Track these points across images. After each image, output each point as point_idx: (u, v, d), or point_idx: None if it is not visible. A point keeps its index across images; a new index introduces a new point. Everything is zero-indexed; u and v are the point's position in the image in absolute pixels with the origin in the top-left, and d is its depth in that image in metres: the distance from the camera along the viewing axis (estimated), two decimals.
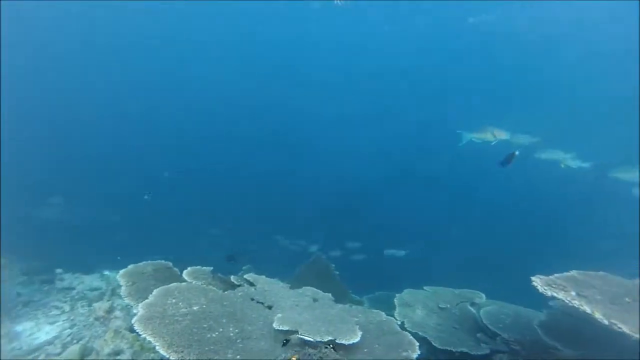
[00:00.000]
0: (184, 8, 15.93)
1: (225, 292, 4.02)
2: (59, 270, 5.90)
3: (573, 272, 2.58)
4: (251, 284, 4.40)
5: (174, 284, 3.89)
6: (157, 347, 2.67)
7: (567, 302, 2.14)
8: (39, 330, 4.39)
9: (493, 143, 6.51)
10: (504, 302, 5.08)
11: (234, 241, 10.62)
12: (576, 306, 2.06)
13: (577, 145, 6.96)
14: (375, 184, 14.59)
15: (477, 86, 16.36)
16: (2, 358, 3.64)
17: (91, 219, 10.35)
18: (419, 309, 4.60)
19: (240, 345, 3.04)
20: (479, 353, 3.68)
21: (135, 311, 3.26)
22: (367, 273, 7.98)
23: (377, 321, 3.76)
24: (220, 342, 2.97)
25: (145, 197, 7.79)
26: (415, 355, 3.19)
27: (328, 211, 12.78)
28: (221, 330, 3.17)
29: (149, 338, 2.75)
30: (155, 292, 3.53)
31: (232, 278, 4.54)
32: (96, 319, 4.52)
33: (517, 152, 3.95)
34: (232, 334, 3.15)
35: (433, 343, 3.90)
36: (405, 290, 5.11)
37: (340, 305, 4.11)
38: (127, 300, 3.54)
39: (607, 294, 2.21)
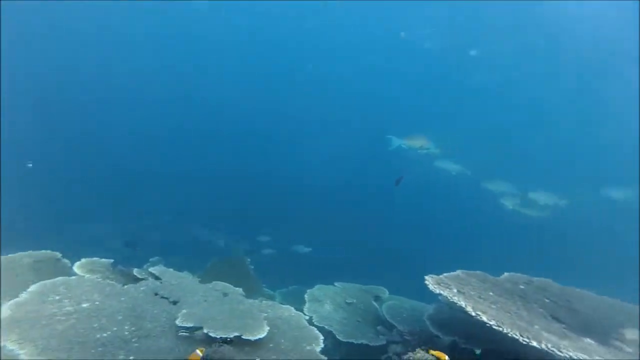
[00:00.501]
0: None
1: (125, 287, 3.68)
2: None
3: (458, 272, 2.98)
4: (157, 278, 4.10)
5: (61, 278, 3.42)
6: (21, 356, 2.26)
7: (449, 298, 2.46)
8: None
9: (421, 151, 7.20)
10: (405, 297, 5.60)
11: (139, 228, 9.77)
12: (455, 301, 2.39)
13: (467, 158, 8.14)
14: (294, 182, 14.81)
15: (406, 98, 17.75)
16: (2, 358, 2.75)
17: None
18: (327, 303, 4.80)
19: (136, 344, 2.81)
20: (376, 344, 3.99)
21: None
22: (281, 268, 8.06)
23: (285, 316, 3.82)
24: (111, 342, 2.70)
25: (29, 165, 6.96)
26: (318, 349, 3.32)
27: (244, 204, 12.63)
28: (115, 329, 2.88)
29: (9, 346, 2.32)
30: (31, 288, 3.05)
31: (135, 271, 4.17)
32: None
33: (403, 176, 4.39)
34: (127, 333, 2.89)
35: (337, 336, 4.11)
36: (316, 286, 5.28)
37: (250, 301, 4.07)
38: None
39: (478, 290, 2.61)
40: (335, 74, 17.77)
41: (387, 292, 5.55)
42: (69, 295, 3.14)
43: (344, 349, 4.26)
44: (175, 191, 12.93)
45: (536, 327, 2.20)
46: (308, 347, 3.27)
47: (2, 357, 2.65)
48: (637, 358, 2.08)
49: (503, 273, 3.18)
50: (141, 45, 17.49)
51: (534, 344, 1.96)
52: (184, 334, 3.15)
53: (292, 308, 4.05)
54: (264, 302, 4.22)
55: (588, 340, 2.20)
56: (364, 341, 3.98)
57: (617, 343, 2.22)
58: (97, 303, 3.18)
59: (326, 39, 17.72)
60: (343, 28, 17.11)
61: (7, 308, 2.65)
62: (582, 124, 15.29)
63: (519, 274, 3.23)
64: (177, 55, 17.77)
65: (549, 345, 1.94)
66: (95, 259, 4.04)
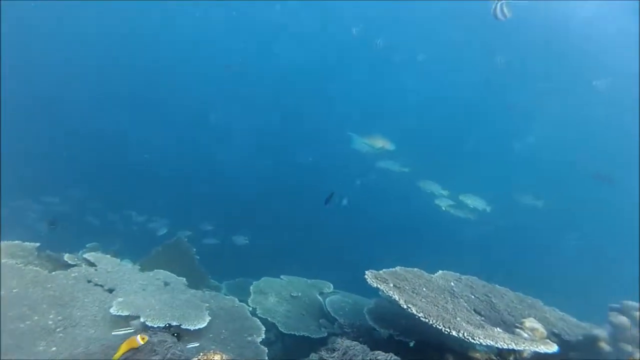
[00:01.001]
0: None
1: (53, 273, 3.41)
2: None
3: (397, 268, 3.17)
4: (91, 264, 3.85)
5: None
6: None
7: (385, 291, 2.62)
8: None
9: (380, 151, 7.56)
10: (349, 292, 5.81)
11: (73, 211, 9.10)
12: (390, 295, 2.56)
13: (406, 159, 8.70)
14: (245, 174, 14.71)
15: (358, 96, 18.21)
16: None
17: None
18: (272, 296, 4.83)
19: (61, 334, 2.64)
20: (318, 336, 4.11)
21: None
22: (229, 259, 7.94)
23: (228, 307, 3.80)
24: (31, 332, 2.50)
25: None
26: (259, 339, 3.36)
27: (186, 194, 12.30)
28: (36, 318, 2.68)
29: None
30: None
31: (67, 257, 3.88)
32: None
33: (334, 192, 4.52)
34: (50, 322, 2.70)
35: (280, 328, 4.17)
36: (263, 279, 5.29)
37: (192, 291, 3.99)
38: None
39: (413, 285, 2.81)
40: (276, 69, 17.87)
41: (332, 286, 5.71)
42: None
43: (286, 340, 4.33)
44: (115, 178, 12.25)
45: (458, 319, 2.43)
46: (249, 338, 3.29)
47: None
48: (531, 340, 2.42)
49: (438, 270, 3.45)
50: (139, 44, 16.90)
51: (454, 333, 2.17)
52: (119, 323, 3.01)
53: (236, 299, 4.03)
54: (207, 292, 4.15)
55: (498, 329, 2.48)
56: (306, 333, 4.08)
57: (519, 331, 2.54)
58: (15, 290, 2.92)
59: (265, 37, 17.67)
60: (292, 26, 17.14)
61: None
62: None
63: (451, 272, 3.52)
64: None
65: (465, 334, 2.17)
66: (17, 242, 3.68)
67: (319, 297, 5.29)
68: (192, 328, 3.05)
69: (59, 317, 2.80)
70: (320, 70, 17.96)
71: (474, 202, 7.81)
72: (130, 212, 9.93)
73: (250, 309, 4.14)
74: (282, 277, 5.50)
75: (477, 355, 2.60)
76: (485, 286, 3.50)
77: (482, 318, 2.79)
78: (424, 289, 2.79)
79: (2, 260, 3.16)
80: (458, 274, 3.59)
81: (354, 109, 16.96)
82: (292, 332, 4.12)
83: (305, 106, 17.31)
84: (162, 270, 4.26)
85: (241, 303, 4.00)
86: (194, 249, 6.30)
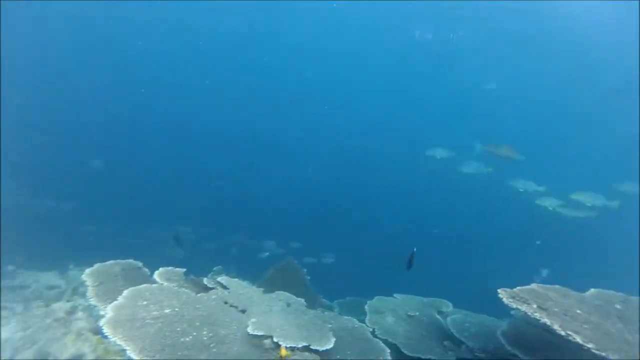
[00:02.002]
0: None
1: (199, 295, 3.94)
2: (10, 267, 5.49)
3: (533, 285, 2.78)
4: (224, 287, 4.34)
5: (145, 285, 3.76)
6: (127, 352, 2.57)
7: (530, 314, 2.31)
8: None
9: (506, 160, 7.24)
10: (468, 311, 5.33)
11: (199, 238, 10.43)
12: (537, 318, 2.23)
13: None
14: (342, 189, 14.91)
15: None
16: (2, 358, 3.34)
17: (48, 209, 9.74)
18: (389, 316, 4.72)
19: (214, 349, 3.00)
20: None
21: (102, 313, 3.13)
22: (336, 278, 8.08)
23: (349, 327, 3.83)
24: (193, 346, 2.91)
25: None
26: None
27: (292, 215, 12.94)
28: (194, 334, 3.11)
29: (119, 342, 2.65)
30: (125, 293, 3.41)
31: (205, 280, 4.45)
32: (55, 320, 4.26)
33: (415, 249, 4.07)
34: (205, 338, 3.10)
35: (402, 350, 4.01)
36: (376, 298, 5.22)
37: (312, 311, 4.15)
38: (93, 302, 3.38)
39: (562, 307, 2.41)
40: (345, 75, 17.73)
41: (450, 305, 5.31)
42: (153, 300, 3.45)
43: None
44: (217, 205, 13.61)
45: None
46: None
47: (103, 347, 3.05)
48: None
49: (590, 289, 2.89)
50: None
51: None
52: (254, 341, 3.30)
53: (356, 320, 4.05)
54: (326, 312, 4.27)
55: None
56: (432, 356, 3.84)
57: None
58: (177, 309, 3.45)
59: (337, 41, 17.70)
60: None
61: (110, 309, 2.99)
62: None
63: (609, 291, 2.92)
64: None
65: None
66: (170, 268, 4.38)
67: (438, 317, 4.96)
68: (320, 349, 3.16)
69: (210, 334, 3.20)
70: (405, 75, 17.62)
71: (591, 199, 6.62)
72: (237, 236, 11.00)
73: (370, 329, 4.10)
74: (395, 295, 5.35)
75: None
76: None
77: None
78: (579, 311, 2.36)
79: (164, 284, 3.79)
80: (621, 294, 2.96)
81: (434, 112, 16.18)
82: (417, 355, 3.93)
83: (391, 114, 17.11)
84: (283, 292, 4.56)
85: (361, 324, 4.00)
86: (304, 270, 6.61)
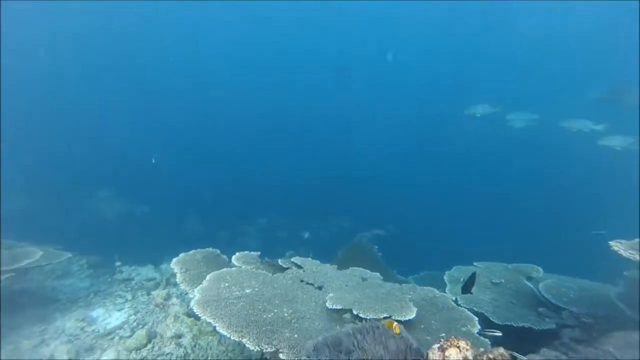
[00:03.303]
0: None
1: (275, 275, 4.07)
2: (117, 263, 6.29)
3: None
4: (299, 267, 4.43)
5: (225, 269, 3.99)
6: (217, 328, 2.74)
7: None
8: (109, 316, 4.75)
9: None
10: (563, 275, 4.78)
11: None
12: None
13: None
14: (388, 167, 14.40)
15: None
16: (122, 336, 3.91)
17: (139, 213, 10.92)
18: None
19: (296, 325, 3.06)
20: (544, 328, 3.47)
21: (191, 296, 3.38)
22: (410, 255, 7.84)
23: (430, 297, 3.65)
24: (275, 322, 3.00)
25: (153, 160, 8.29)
26: (476, 330, 3.06)
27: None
28: (275, 311, 3.20)
29: (208, 320, 2.83)
30: (208, 277, 3.64)
31: (280, 261, 4.60)
32: (156, 305, 4.77)
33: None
34: (286, 315, 3.18)
35: (491, 318, 3.73)
36: (454, 267, 4.94)
37: (389, 284, 4.04)
38: (182, 287, 3.68)
39: None
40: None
41: (541, 270, 4.82)
42: (233, 282, 3.63)
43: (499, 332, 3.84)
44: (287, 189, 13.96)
45: None
46: (463, 329, 3.05)
47: (197, 328, 3.33)
48: None
49: None
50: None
51: None
52: (334, 316, 3.31)
53: (435, 289, 3.85)
54: (403, 285, 4.14)
55: None
56: (527, 324, 3.51)
57: None
58: (256, 289, 3.60)
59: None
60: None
61: (197, 292, 3.22)
62: None
63: None
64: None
65: None
66: (246, 252, 4.59)
67: (528, 283, 4.53)
68: (402, 319, 3.05)
69: (290, 310, 3.28)
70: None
71: None
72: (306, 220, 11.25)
73: (452, 299, 3.87)
74: (475, 263, 5.00)
75: None
76: None
77: None
78: None
79: (242, 267, 3.98)
80: None
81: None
82: (508, 323, 3.62)
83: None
84: (357, 268, 4.52)
85: (442, 293, 3.80)
86: (376, 247, 6.51)
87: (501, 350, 1.58)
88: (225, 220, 11.38)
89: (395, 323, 2.09)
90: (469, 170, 13.35)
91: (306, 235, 8.45)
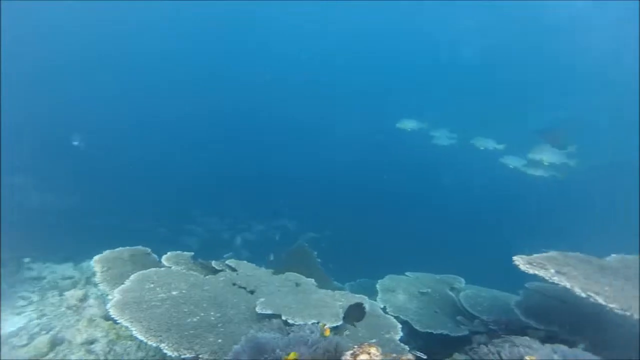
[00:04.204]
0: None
1: (207, 277, 3.93)
2: (26, 260, 5.59)
3: (552, 252, 2.65)
4: (233, 269, 4.33)
5: (153, 269, 3.76)
6: (134, 333, 2.57)
7: (548, 278, 2.20)
8: (3, 321, 4.16)
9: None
10: (481, 286, 5.23)
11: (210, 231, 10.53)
12: (556, 282, 2.12)
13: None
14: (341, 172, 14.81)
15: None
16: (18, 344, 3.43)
17: (62, 204, 9.89)
18: (400, 293, 4.65)
19: (222, 329, 2.98)
20: (458, 334, 3.76)
21: (110, 297, 3.13)
22: (348, 262, 8.04)
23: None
24: (200, 326, 2.89)
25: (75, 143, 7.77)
26: (397, 337, 3.22)
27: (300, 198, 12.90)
28: (202, 314, 3.09)
29: (125, 323, 2.64)
30: (132, 277, 3.41)
31: (214, 263, 4.45)
32: (68, 308, 4.32)
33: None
34: (213, 319, 3.08)
35: (414, 326, 3.95)
36: (387, 276, 5.15)
37: (323, 291, 4.10)
38: (101, 287, 3.40)
39: (581, 271, 2.29)
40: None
41: (463, 281, 5.23)
42: (160, 283, 3.44)
43: (420, 339, 4.09)
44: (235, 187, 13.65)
45: None
46: (387, 335, 3.19)
47: (114, 332, 3.07)
48: None
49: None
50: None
51: None
52: (263, 321, 3.28)
53: (366, 297, 3.99)
54: (336, 292, 4.22)
55: None
56: (444, 331, 3.77)
57: None
58: (184, 291, 3.44)
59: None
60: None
61: (117, 293, 2.99)
62: None
63: (630, 256, 2.78)
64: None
65: None
66: (178, 252, 4.38)
67: (451, 293, 4.88)
68: (330, 325, 3.10)
69: (218, 314, 3.19)
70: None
71: (548, 156, 6.34)
72: (251, 221, 11.06)
73: (381, 307, 4.04)
74: (407, 273, 5.27)
75: None
76: None
77: None
78: (600, 277, 2.24)
79: (172, 267, 3.79)
80: None
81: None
82: (428, 330, 3.86)
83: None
84: (292, 273, 4.53)
85: (372, 301, 3.94)
86: (315, 253, 6.57)
87: (409, 356, 1.69)
88: (167, 217, 10.78)
89: (327, 326, 2.14)
90: (406, 182, 14.08)
91: (271, 257, 8.30)
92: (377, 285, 4.82)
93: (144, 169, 13.71)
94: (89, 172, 11.94)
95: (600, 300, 1.85)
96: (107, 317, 3.99)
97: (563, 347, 1.86)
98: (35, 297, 4.64)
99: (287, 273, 4.53)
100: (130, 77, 18.23)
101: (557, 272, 2.22)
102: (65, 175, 10.80)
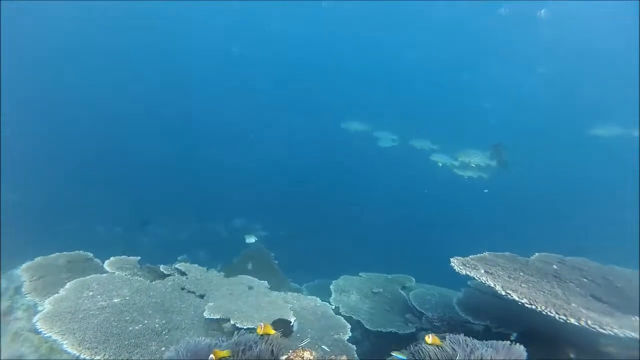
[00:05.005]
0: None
1: (153, 282, 3.77)
2: None
3: (485, 253, 2.86)
4: (182, 273, 4.18)
5: (93, 275, 3.54)
6: (64, 346, 2.39)
7: (477, 278, 2.36)
8: None
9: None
10: (433, 285, 5.49)
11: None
12: (482, 281, 2.29)
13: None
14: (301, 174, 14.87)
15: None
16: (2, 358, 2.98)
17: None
18: (353, 294, 4.76)
19: (167, 336, 2.87)
20: (406, 332, 3.92)
21: (40, 308, 2.90)
22: (307, 262, 8.07)
23: (311, 307, 3.81)
24: (143, 334, 2.76)
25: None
26: (346, 337, 3.30)
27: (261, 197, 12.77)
28: (145, 322, 2.95)
29: (54, 337, 2.45)
30: (68, 285, 3.18)
31: (162, 267, 4.27)
32: None
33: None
34: (157, 325, 2.96)
35: (365, 325, 4.06)
36: (341, 277, 5.25)
37: (275, 293, 4.09)
38: (29, 297, 3.13)
39: (508, 270, 2.50)
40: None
41: (413, 280, 5.45)
42: (101, 291, 3.25)
43: (372, 338, 4.21)
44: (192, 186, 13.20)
45: (574, 305, 2.07)
46: (335, 336, 3.25)
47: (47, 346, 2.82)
48: None
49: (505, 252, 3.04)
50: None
51: (572, 321, 1.84)
52: (212, 326, 3.20)
53: (318, 299, 4.04)
54: (289, 293, 4.23)
55: (636, 317, 2.05)
56: (393, 329, 3.91)
57: None
58: (127, 298, 3.27)
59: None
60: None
61: (48, 303, 2.77)
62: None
63: (551, 254, 3.08)
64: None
65: (590, 322, 1.82)
66: (123, 257, 4.15)
67: (402, 292, 5.07)
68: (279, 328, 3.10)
69: (163, 321, 3.06)
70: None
71: (475, 158, 6.96)
72: (209, 223, 10.73)
73: (333, 307, 4.11)
74: (360, 274, 5.40)
75: (611, 349, 2.17)
76: (601, 268, 2.98)
77: (606, 305, 2.35)
78: (521, 274, 2.46)
79: (115, 272, 3.58)
80: (560, 255, 3.13)
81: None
82: (379, 329, 3.99)
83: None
84: (245, 276, 4.47)
85: (324, 302, 4.00)
86: (272, 254, 6.52)
87: (344, 357, 1.74)
88: (120, 217, 10.12)
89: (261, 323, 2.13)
90: (354, 182, 14.38)
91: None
92: (331, 286, 4.89)
93: (98, 169, 12.86)
94: (35, 170, 10.96)
95: (515, 297, 2.03)
96: (37, 330, 3.68)
97: (491, 342, 2.01)
98: None
99: (239, 276, 4.46)
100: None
101: (486, 272, 2.40)
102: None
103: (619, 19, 12.53)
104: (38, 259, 3.63)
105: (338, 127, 9.07)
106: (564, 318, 1.88)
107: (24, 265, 3.40)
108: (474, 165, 6.80)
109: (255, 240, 6.95)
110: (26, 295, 3.09)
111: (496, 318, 3.04)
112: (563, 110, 15.44)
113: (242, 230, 9.36)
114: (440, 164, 7.23)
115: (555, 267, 2.97)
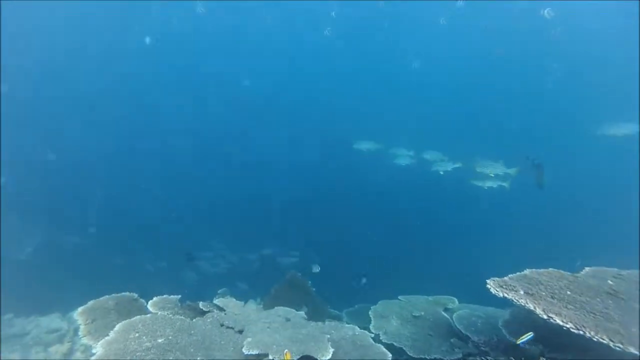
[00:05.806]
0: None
1: (194, 320, 3.89)
2: (8, 316, 5.42)
3: (526, 271, 2.69)
4: (221, 309, 4.28)
5: (138, 317, 3.72)
6: None
7: (515, 301, 2.22)
8: None
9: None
10: (477, 305, 5.18)
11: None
12: (522, 304, 2.15)
13: None
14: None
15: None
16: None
17: (45, 251, 9.60)
18: (393, 319, 4.61)
19: None
20: (452, 358, 3.71)
21: (94, 351, 3.09)
22: (345, 286, 7.93)
23: (349, 336, 3.74)
24: None
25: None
26: None
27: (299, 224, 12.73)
28: None
29: None
30: (116, 327, 3.37)
31: (201, 304, 4.40)
32: None
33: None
34: None
35: (408, 352, 3.90)
36: (380, 302, 5.11)
37: (313, 323, 4.06)
38: (85, 340, 3.34)
39: (552, 289, 2.32)
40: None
41: (456, 301, 5.19)
42: (146, 331, 3.40)
43: None
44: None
45: (634, 330, 1.87)
46: None
47: None
48: None
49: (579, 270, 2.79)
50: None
51: (632, 350, 1.65)
52: None
53: (357, 327, 3.95)
54: (327, 323, 4.18)
55: None
56: (438, 356, 3.73)
57: None
58: (170, 338, 3.40)
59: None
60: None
61: (100, 346, 2.95)
62: None
63: (604, 268, 2.81)
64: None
65: None
66: (165, 296, 4.34)
67: (445, 314, 4.84)
68: (319, 359, 3.07)
69: (204, 359, 3.14)
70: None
71: (494, 169, 6.69)
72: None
73: (373, 335, 4.00)
74: (400, 297, 5.23)
75: None
76: None
77: None
78: (569, 293, 2.27)
79: (158, 313, 3.74)
80: (615, 269, 2.85)
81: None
82: (422, 356, 3.81)
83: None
84: (282, 307, 4.49)
85: (362, 330, 3.91)
86: (309, 282, 6.50)
87: None
88: (160, 252, 10.53)
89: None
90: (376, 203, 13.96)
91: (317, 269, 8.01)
92: (370, 312, 4.77)
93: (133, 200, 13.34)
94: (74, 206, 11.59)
95: (558, 321, 1.87)
96: None
97: None
98: (16, 357, 4.49)
99: (277, 307, 4.49)
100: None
101: (526, 292, 2.25)
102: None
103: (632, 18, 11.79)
104: (91, 303, 3.89)
105: (350, 148, 9.04)
106: (620, 347, 1.69)
107: (79, 309, 3.66)
108: (492, 175, 6.63)
109: (318, 270, 7.04)
110: (82, 338, 3.31)
111: (548, 341, 2.81)
112: (576, 110, 14.58)
113: (274, 258, 9.44)
114: (441, 172, 7.28)
115: (610, 282, 2.71)
